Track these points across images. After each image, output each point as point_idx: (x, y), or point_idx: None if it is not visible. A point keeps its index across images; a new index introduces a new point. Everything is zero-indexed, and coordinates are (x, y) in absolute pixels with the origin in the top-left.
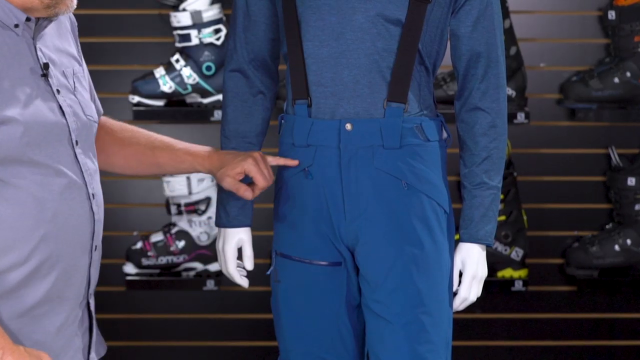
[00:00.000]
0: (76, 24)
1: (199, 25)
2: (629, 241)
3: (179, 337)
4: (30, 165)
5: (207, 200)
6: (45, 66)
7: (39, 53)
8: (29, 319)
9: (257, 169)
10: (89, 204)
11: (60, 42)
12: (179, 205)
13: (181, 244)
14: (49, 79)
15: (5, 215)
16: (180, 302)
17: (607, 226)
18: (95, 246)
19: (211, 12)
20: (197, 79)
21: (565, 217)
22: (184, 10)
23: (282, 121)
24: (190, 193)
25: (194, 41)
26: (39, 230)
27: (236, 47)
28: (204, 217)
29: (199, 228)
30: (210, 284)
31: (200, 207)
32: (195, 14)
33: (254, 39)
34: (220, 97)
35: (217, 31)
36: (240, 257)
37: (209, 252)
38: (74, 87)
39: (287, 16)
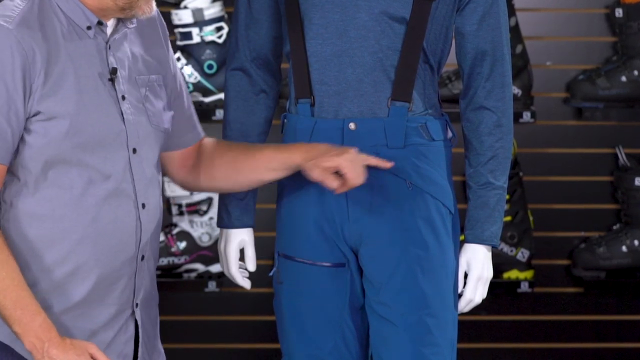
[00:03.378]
0: (166, 27)
1: (200, 23)
2: (636, 242)
3: (180, 339)
4: (80, 167)
5: (209, 200)
6: (113, 71)
7: (110, 58)
8: (63, 320)
9: (351, 166)
10: (136, 213)
11: (142, 49)
12: (180, 206)
13: (182, 244)
14: (116, 85)
15: (47, 215)
16: (181, 303)
17: (615, 227)
18: (143, 256)
19: (213, 10)
20: (199, 78)
21: (572, 218)
22: (185, 7)
23: (285, 120)
24: (191, 193)
25: (196, 39)
26: (76, 233)
27: (238, 46)
28: (205, 218)
29: (200, 229)
30: (211, 286)
31: (202, 208)
32: (197, 12)
33: (256, 37)
34: (222, 96)
35: (219, 29)
36: (242, 258)
37: (211, 253)
38: (144, 95)
39: (289, 14)
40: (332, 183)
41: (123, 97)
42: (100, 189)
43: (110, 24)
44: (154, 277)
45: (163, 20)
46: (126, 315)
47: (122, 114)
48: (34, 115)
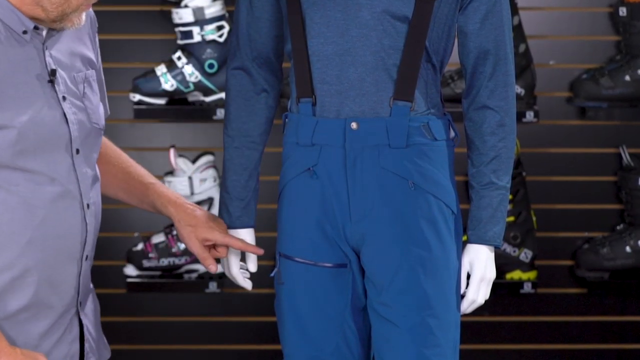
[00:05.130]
0: (96, 20)
1: (201, 21)
2: None
3: (181, 340)
4: (23, 171)
5: (210, 200)
6: (52, 73)
7: (48, 59)
8: (13, 323)
9: (227, 238)
10: (82, 214)
11: (75, 45)
12: None
13: (183, 245)
14: (55, 86)
15: None
16: (182, 304)
17: (618, 227)
18: (87, 256)
19: (214, 9)
20: (200, 77)
21: (575, 218)
22: (185, 6)
23: (286, 120)
24: (192, 193)
25: (196, 38)
26: (25, 236)
27: (239, 45)
28: None
29: None
30: (212, 286)
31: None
32: (198, 11)
33: (257, 36)
34: (222, 95)
35: (220, 28)
36: (243, 258)
37: None
38: (83, 93)
39: (291, 13)
40: (211, 266)
41: (64, 98)
42: (46, 191)
43: (42, 27)
44: (89, 272)
45: (92, 11)
46: (70, 314)
47: (64, 115)
48: None
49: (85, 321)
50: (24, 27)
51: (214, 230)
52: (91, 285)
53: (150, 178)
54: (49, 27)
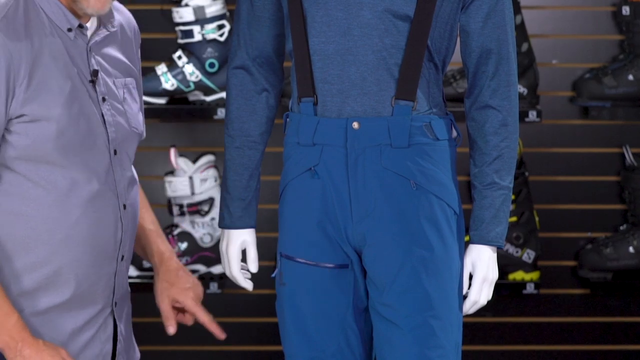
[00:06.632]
0: (139, 33)
1: (202, 21)
2: None
3: (181, 341)
4: (62, 168)
5: (211, 200)
6: (94, 73)
7: (92, 60)
8: (44, 319)
9: (196, 308)
10: (118, 215)
11: (117, 54)
12: (181, 206)
13: (183, 245)
14: (96, 86)
15: (29, 214)
16: None
17: (621, 227)
18: (122, 256)
19: (214, 8)
20: (200, 76)
21: (578, 218)
22: (186, 5)
23: (287, 119)
24: (193, 193)
25: (197, 37)
26: (60, 234)
27: (240, 44)
28: (207, 218)
29: (201, 229)
30: (213, 287)
31: (204, 208)
32: (198, 10)
33: (258, 36)
34: (223, 94)
35: (221, 27)
36: (244, 259)
37: (212, 254)
38: (123, 97)
39: (292, 12)
40: (170, 328)
41: (103, 99)
42: (84, 190)
43: (90, 26)
44: (127, 273)
45: (136, 24)
46: (105, 314)
47: (102, 115)
48: (16, 117)
49: (119, 321)
50: (69, 25)
51: (187, 296)
52: (127, 287)
53: (151, 224)
54: (86, 15)
